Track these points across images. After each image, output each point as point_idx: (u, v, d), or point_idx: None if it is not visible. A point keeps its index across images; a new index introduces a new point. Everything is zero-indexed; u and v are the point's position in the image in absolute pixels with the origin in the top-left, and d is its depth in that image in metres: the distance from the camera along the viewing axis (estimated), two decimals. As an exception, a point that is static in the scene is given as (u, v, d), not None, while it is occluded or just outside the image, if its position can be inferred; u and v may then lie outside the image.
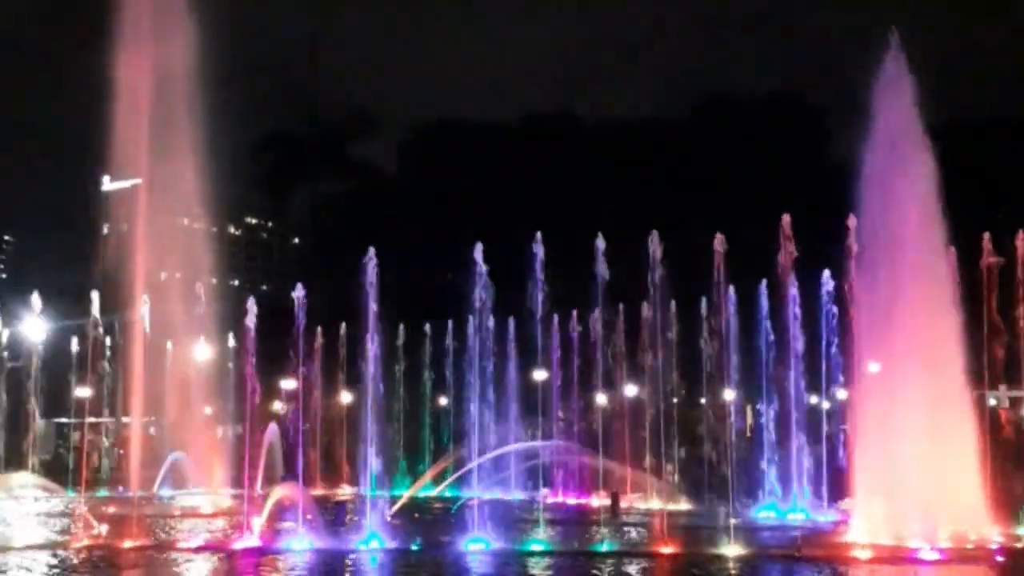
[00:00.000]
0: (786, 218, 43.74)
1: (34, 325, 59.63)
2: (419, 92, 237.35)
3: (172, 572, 34.82)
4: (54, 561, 36.02)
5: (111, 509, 49.68)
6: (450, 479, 61.96)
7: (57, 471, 67.56)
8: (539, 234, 46.93)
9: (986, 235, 43.54)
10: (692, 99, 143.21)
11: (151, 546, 39.67)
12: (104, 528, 42.08)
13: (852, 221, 41.39)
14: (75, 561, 36.19)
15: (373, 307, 42.81)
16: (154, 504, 52.23)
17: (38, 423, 66.29)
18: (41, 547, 39.48)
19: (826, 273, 43.54)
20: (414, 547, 38.52)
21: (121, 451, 64.61)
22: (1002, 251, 43.80)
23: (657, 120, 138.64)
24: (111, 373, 59.05)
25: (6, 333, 59.73)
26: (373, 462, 44.26)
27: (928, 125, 42.50)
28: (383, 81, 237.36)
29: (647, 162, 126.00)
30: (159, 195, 73.04)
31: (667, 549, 37.67)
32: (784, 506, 47.09)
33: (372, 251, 42.58)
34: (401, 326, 74.19)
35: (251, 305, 45.50)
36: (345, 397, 79.03)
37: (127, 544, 39.61)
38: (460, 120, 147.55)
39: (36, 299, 55.88)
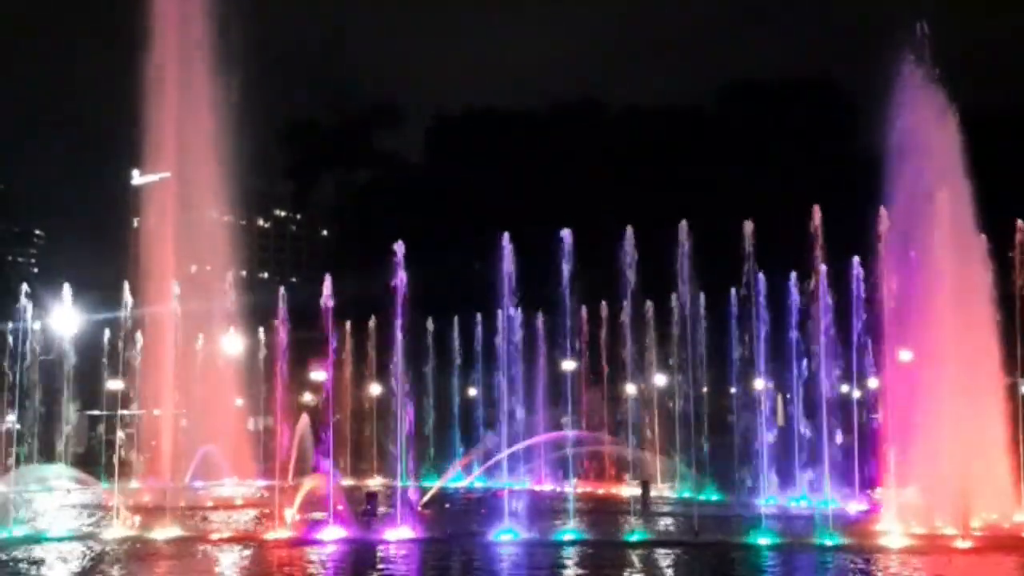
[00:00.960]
0: (816, 208, 43.55)
1: (65, 318, 59.98)
2: (445, 81, 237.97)
3: (204, 563, 35.01)
4: (88, 552, 36.32)
5: (144, 500, 50.02)
6: (479, 469, 62.04)
7: (90, 463, 68.08)
8: (568, 232, 46.87)
9: (1018, 222, 43.24)
10: (719, 86, 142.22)
11: (183, 537, 39.91)
12: (137, 519, 42.37)
13: (883, 210, 41.15)
14: (108, 552, 36.47)
15: (401, 298, 42.91)
16: (186, 495, 52.52)
17: (71, 415, 66.73)
18: (75, 538, 39.81)
19: (856, 261, 43.27)
20: (445, 537, 38.58)
21: (153, 443, 64.93)
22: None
23: (684, 107, 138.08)
24: (142, 366, 59.31)
25: (37, 326, 60.05)
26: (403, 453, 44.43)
27: (957, 112, 42.31)
28: (409, 70, 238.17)
29: (675, 150, 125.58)
30: (188, 188, 73.48)
31: (698, 539, 37.70)
32: (815, 495, 46.91)
33: (400, 244, 42.60)
34: (429, 317, 74.22)
35: (281, 297, 45.74)
36: (375, 389, 79.24)
37: (160, 535, 39.87)
38: (486, 109, 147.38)
39: (67, 291, 56.20)
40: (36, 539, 39.21)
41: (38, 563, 33.72)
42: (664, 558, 34.53)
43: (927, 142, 41.85)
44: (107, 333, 63.36)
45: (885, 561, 32.66)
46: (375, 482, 65.70)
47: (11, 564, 33.50)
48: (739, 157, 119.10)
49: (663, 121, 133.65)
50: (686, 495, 54.55)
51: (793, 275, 46.90)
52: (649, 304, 63.95)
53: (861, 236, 42.86)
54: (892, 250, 41.63)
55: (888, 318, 42.14)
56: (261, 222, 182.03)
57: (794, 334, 46.89)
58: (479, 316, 71.11)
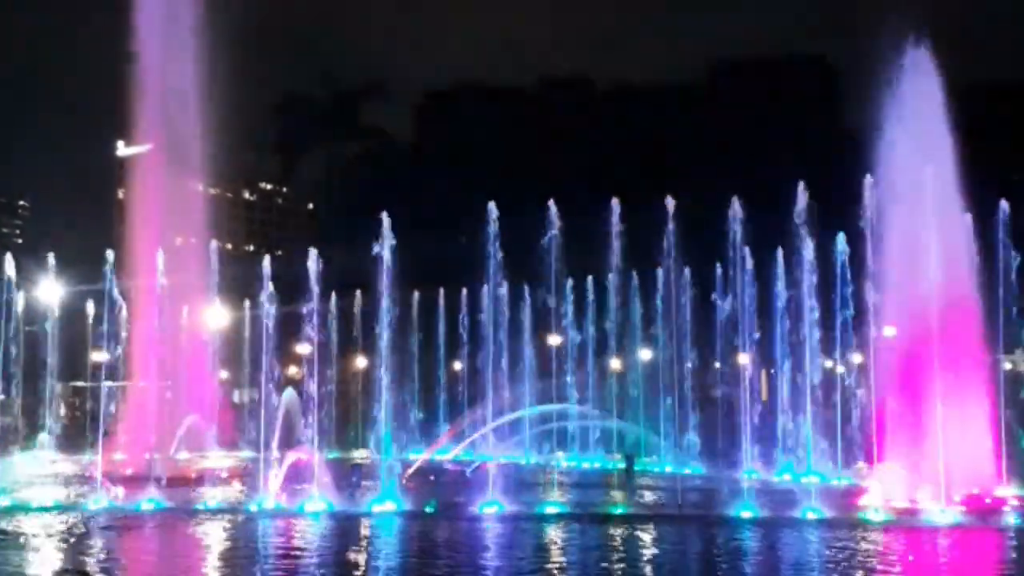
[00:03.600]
0: (800, 184, 43.62)
1: (50, 288, 59.75)
2: (433, 55, 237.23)
3: (188, 533, 35.04)
4: (71, 522, 36.31)
5: (128, 471, 49.97)
6: (465, 442, 62.09)
7: (74, 434, 67.99)
8: (552, 203, 46.94)
9: (1003, 203, 43.32)
10: (708, 62, 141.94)
11: (168, 508, 39.93)
12: (120, 490, 42.36)
13: (868, 182, 41.25)
14: (92, 522, 36.47)
15: (387, 272, 43.00)
16: (170, 466, 52.48)
17: (55, 386, 66.53)
18: (58, 509, 39.79)
19: (841, 237, 43.42)
20: (429, 509, 38.66)
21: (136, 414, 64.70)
22: (1017, 215, 43.47)
23: (672, 83, 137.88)
24: (126, 337, 59.11)
25: (22, 297, 59.78)
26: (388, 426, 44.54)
27: (945, 88, 42.34)
28: (397, 44, 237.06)
29: (662, 126, 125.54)
30: (173, 160, 73.04)
31: (681, 512, 37.87)
32: (799, 469, 47.13)
33: (385, 216, 42.70)
34: (415, 291, 74.17)
35: (266, 270, 45.69)
36: (360, 362, 79.18)
37: (143, 505, 39.87)
38: (474, 83, 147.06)
39: (52, 261, 56.02)
40: (21, 509, 39.19)
41: (24, 534, 33.69)
42: (647, 531, 34.65)
43: (915, 118, 41.89)
44: (91, 304, 63.16)
45: (867, 535, 32.82)
46: (360, 454, 65.75)
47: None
48: (728, 132, 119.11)
49: (652, 97, 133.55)
50: (669, 468, 54.71)
51: (779, 251, 46.99)
52: (635, 278, 64.00)
53: (848, 211, 42.94)
54: (878, 226, 41.75)
55: (873, 294, 42.33)
56: (247, 194, 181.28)
57: (779, 309, 47.07)
58: (464, 290, 71.12)
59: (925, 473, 37.59)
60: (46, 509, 39.52)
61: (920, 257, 39.81)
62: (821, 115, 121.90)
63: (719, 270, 55.18)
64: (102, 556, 30.40)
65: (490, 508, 38.08)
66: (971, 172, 41.59)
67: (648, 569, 28.62)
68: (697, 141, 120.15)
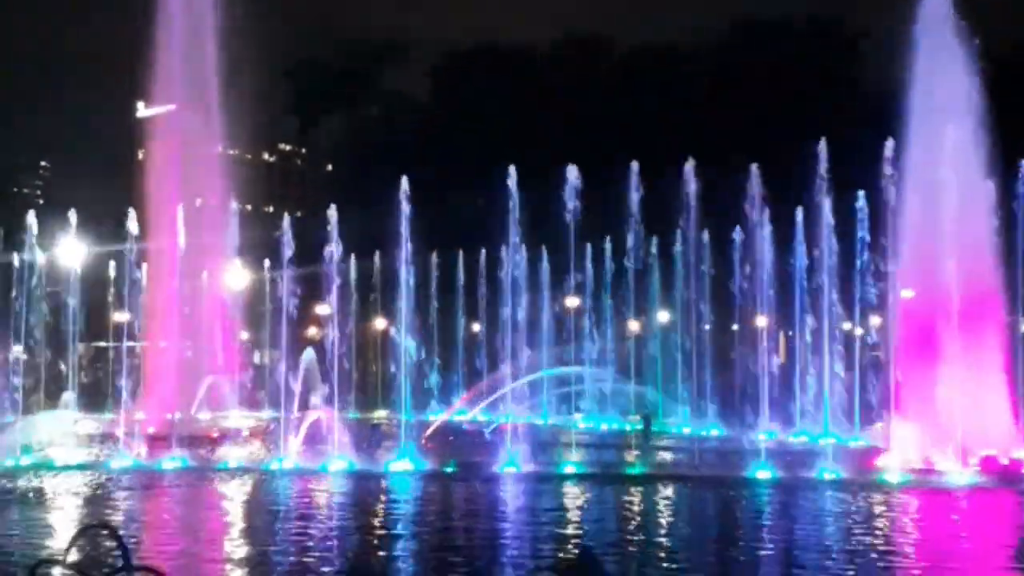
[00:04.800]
0: (822, 143, 43.50)
1: (72, 248, 60.06)
2: (450, 16, 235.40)
3: (209, 492, 35.41)
4: (93, 481, 36.73)
5: (150, 430, 50.41)
6: (483, 403, 62.41)
7: (96, 393, 68.57)
8: (573, 166, 46.89)
9: (1022, 163, 43.13)
10: (728, 23, 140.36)
11: (189, 467, 40.31)
12: (143, 449, 42.78)
13: (889, 146, 41.11)
14: (114, 481, 36.87)
15: (405, 233, 43.23)
16: (191, 426, 52.92)
17: (77, 346, 66.96)
18: (82, 467, 40.22)
19: (861, 198, 43.30)
20: (448, 469, 38.94)
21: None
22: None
23: (693, 45, 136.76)
24: (147, 298, 59.41)
25: (44, 257, 60.17)
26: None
27: (970, 49, 42.12)
28: (418, 5, 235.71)
29: (682, 88, 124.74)
30: (193, 121, 73.18)
31: (698, 473, 38.07)
32: (816, 430, 47.23)
33: (404, 179, 42.92)
34: (434, 253, 74.26)
35: (286, 230, 45.92)
36: (379, 323, 79.47)
37: (165, 464, 40.27)
38: (492, 44, 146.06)
39: (73, 218, 56.33)
40: (44, 468, 39.64)
41: (46, 492, 34.13)
42: (664, 491, 34.87)
43: (938, 80, 41.69)
44: (112, 265, 63.54)
45: (884, 497, 32.94)
46: (380, 414, 66.15)
47: (19, 492, 33.93)
48: (746, 94, 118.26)
49: (671, 58, 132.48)
50: (687, 429, 54.89)
51: (799, 212, 46.92)
52: (654, 241, 63.93)
53: (868, 173, 42.83)
54: (898, 186, 41.67)
55: (892, 255, 42.30)
56: (266, 156, 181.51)
57: (798, 271, 47.08)
58: (483, 252, 71.23)
59: (943, 435, 37.66)
60: (69, 468, 39.96)
61: (940, 219, 39.73)
62: (843, 76, 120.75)
63: (738, 231, 55.15)
64: (125, 513, 30.76)
65: (509, 468, 38.34)
66: (994, 135, 41.40)
67: (664, 527, 28.86)
68: (717, 102, 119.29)
